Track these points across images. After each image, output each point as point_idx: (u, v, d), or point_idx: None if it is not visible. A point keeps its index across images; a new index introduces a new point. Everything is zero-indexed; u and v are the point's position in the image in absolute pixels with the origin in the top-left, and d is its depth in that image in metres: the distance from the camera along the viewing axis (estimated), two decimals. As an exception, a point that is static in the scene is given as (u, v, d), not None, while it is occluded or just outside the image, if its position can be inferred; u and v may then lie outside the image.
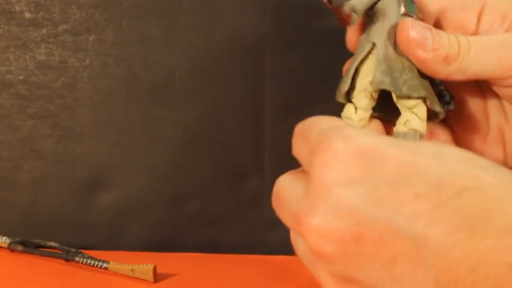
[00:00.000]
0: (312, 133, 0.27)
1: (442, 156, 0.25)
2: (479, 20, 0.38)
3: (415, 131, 0.35)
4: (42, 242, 0.54)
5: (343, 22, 0.37)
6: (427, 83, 0.36)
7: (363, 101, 0.37)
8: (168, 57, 0.56)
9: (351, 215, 0.24)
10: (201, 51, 0.55)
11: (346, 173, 0.25)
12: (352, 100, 0.37)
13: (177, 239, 0.57)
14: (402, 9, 0.36)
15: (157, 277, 0.48)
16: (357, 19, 0.37)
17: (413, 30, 0.35)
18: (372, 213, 0.24)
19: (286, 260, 0.53)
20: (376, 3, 0.37)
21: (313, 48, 0.55)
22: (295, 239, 0.28)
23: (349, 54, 0.41)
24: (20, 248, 0.53)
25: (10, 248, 0.54)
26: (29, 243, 0.54)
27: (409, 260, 0.24)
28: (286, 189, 0.28)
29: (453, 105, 0.39)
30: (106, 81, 0.56)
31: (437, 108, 0.36)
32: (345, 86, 0.37)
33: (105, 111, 0.56)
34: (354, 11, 0.36)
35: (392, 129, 0.37)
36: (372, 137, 0.26)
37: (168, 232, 0.57)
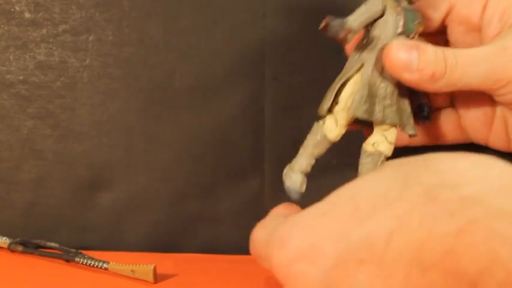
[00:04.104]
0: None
1: None
2: (483, 13, 0.38)
3: (380, 153, 0.37)
4: (42, 242, 0.54)
5: (340, 42, 0.38)
6: (406, 103, 0.38)
7: (343, 119, 0.38)
8: (168, 57, 0.56)
9: None
10: (201, 51, 0.55)
11: None
12: (335, 114, 0.38)
13: (177, 239, 0.57)
14: (400, 28, 0.37)
15: (157, 278, 0.48)
16: (352, 38, 0.38)
17: (398, 54, 0.35)
18: None
19: (286, 260, 0.53)
20: (375, 20, 0.37)
21: (313, 48, 0.55)
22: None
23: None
24: (20, 248, 0.53)
25: (10, 249, 0.54)
26: (29, 244, 0.54)
27: None
28: None
29: (430, 119, 0.41)
30: (106, 81, 0.56)
31: (410, 131, 0.38)
32: (327, 103, 0.38)
33: (105, 111, 0.56)
34: (350, 30, 0.37)
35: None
36: None
37: (168, 232, 0.57)
